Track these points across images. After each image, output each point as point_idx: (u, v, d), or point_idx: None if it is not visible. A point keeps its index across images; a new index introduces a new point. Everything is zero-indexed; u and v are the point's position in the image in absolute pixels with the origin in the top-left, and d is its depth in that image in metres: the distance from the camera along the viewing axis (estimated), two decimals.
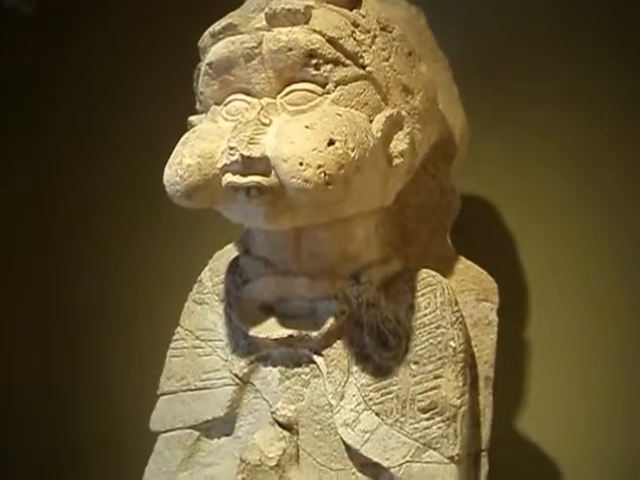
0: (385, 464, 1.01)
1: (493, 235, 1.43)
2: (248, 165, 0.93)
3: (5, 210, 1.86)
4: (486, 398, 1.10)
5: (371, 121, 0.98)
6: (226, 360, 1.11)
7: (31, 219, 1.85)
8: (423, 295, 1.05)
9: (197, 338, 1.15)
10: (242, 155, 0.93)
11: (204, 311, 1.15)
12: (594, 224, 1.37)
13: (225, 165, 0.95)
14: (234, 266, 1.13)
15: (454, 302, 1.05)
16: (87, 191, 1.77)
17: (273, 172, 0.93)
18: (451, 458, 1.01)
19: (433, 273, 1.06)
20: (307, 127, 0.92)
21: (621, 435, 1.37)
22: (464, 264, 1.16)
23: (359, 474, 1.05)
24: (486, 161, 1.40)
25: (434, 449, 1.01)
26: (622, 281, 1.36)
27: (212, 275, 1.16)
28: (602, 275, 1.37)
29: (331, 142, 0.91)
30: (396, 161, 1.00)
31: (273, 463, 1.03)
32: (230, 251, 1.18)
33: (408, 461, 1.01)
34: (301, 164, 0.90)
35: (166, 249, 1.67)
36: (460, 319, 1.04)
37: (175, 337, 1.17)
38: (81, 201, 1.77)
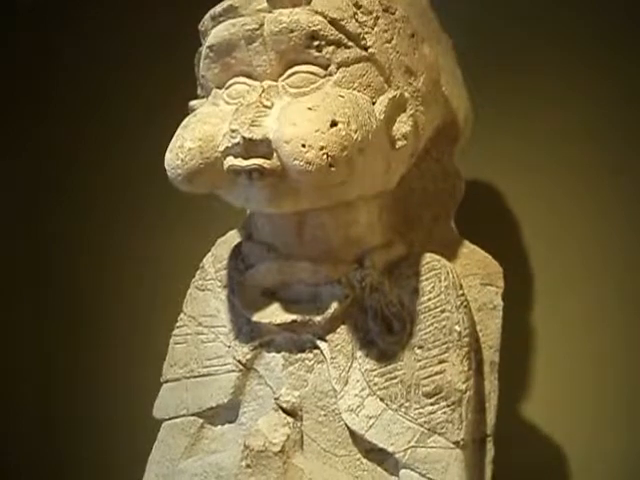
0: (390, 449, 1.01)
1: (498, 220, 1.42)
2: (250, 148, 0.92)
3: (5, 195, 1.85)
4: (491, 383, 1.09)
5: (374, 103, 0.97)
6: (229, 346, 1.11)
7: (31, 207, 1.84)
8: (427, 279, 1.04)
9: (200, 325, 1.14)
10: (244, 137, 0.92)
11: (207, 297, 1.14)
12: (599, 209, 1.36)
13: (227, 148, 0.94)
14: (237, 252, 1.13)
15: (459, 286, 1.04)
16: (88, 177, 1.76)
17: (275, 155, 0.92)
18: (456, 443, 1.00)
19: (437, 257, 1.05)
20: (309, 109, 0.92)
21: (627, 421, 1.37)
22: (468, 248, 1.15)
23: (364, 460, 1.05)
24: (491, 146, 1.39)
25: (439, 434, 1.00)
26: (627, 266, 1.35)
27: (215, 261, 1.15)
28: (607, 260, 1.36)
29: (334, 123, 0.90)
30: (399, 144, 0.99)
31: (277, 449, 1.03)
32: (233, 237, 1.18)
33: (413, 446, 1.00)
34: (303, 146, 0.89)
35: (168, 237, 1.66)
36: (465, 303, 1.04)
37: (178, 324, 1.17)
38: (82, 188, 1.77)
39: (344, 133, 0.90)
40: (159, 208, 1.66)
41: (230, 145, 0.94)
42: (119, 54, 1.73)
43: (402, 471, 1.01)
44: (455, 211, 1.17)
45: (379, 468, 1.04)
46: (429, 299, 1.03)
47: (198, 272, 1.17)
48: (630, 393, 1.36)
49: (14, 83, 1.83)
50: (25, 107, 1.84)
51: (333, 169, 0.90)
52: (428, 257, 1.05)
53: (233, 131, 0.93)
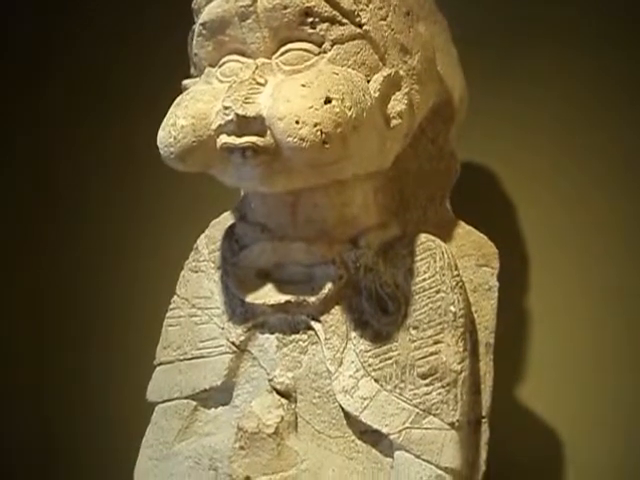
0: (384, 430, 1.00)
1: (494, 202, 1.41)
2: (243, 125, 0.92)
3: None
4: (487, 364, 1.09)
5: (368, 81, 0.96)
6: (223, 328, 1.10)
7: (26, 191, 1.84)
8: (422, 259, 1.03)
9: (193, 306, 1.13)
10: (237, 114, 0.91)
11: (200, 279, 1.14)
12: (595, 189, 1.35)
13: (220, 126, 0.93)
14: (230, 233, 1.12)
15: (454, 266, 1.03)
16: (83, 158, 1.75)
17: (269, 132, 0.91)
18: (451, 424, 0.99)
19: (432, 237, 1.05)
20: (303, 85, 0.91)
21: (623, 403, 1.36)
22: (464, 229, 1.14)
23: (358, 441, 1.04)
24: (486, 128, 1.39)
25: (434, 415, 0.99)
26: (624, 247, 1.34)
27: (208, 242, 1.15)
28: (605, 241, 1.35)
29: (328, 100, 0.89)
30: (394, 122, 0.99)
31: (271, 430, 1.02)
32: (226, 219, 1.17)
33: (408, 427, 0.99)
34: (297, 122, 0.88)
35: (163, 219, 1.66)
36: (460, 284, 1.03)
37: (171, 306, 1.16)
38: (76, 169, 1.76)
39: (338, 110, 0.89)
40: (153, 192, 1.66)
41: (223, 123, 0.93)
42: (117, 35, 1.72)
43: (397, 452, 1.01)
44: (450, 192, 1.16)
45: (374, 450, 1.04)
46: (424, 279, 1.02)
47: (192, 254, 1.16)
48: (629, 376, 1.35)
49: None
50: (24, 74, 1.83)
51: (327, 146, 0.89)
52: (423, 237, 1.04)
53: (226, 108, 0.92)
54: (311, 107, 0.88)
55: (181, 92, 1.03)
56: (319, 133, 0.88)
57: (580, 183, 1.37)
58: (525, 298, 1.41)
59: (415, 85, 1.01)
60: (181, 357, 1.13)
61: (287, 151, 0.90)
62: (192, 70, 1.08)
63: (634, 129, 1.33)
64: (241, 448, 1.03)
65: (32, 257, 1.82)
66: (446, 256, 1.03)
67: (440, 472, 0.99)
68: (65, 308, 1.78)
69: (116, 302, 1.72)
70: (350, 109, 0.90)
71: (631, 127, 1.33)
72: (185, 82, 1.07)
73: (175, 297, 1.16)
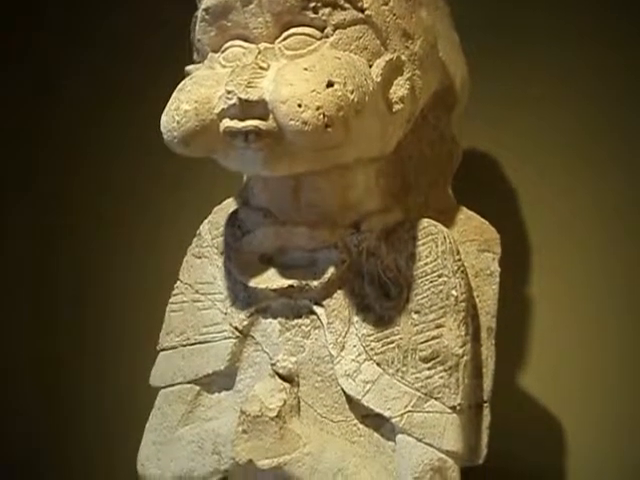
0: (386, 414, 1.01)
1: (495, 188, 1.41)
2: (246, 109, 0.92)
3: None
4: (488, 349, 1.09)
5: (370, 66, 0.97)
6: (226, 313, 1.10)
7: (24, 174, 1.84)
8: (424, 244, 1.03)
9: (196, 292, 1.14)
10: (240, 98, 0.91)
11: (203, 265, 1.14)
12: (597, 176, 1.35)
13: (223, 110, 0.94)
14: (233, 218, 1.12)
15: (455, 251, 1.04)
16: (81, 144, 1.75)
17: (271, 116, 0.91)
18: (453, 408, 1.00)
19: (434, 222, 1.05)
20: (306, 69, 0.91)
21: (625, 389, 1.37)
22: (465, 215, 1.15)
23: (360, 425, 1.04)
24: (488, 114, 1.39)
25: (436, 399, 1.00)
26: (626, 233, 1.34)
27: (211, 228, 1.15)
28: (606, 225, 1.36)
29: (330, 84, 0.90)
30: (396, 107, 0.99)
31: (273, 414, 1.02)
32: (229, 205, 1.17)
33: (409, 411, 1.00)
34: (299, 106, 0.88)
35: (166, 206, 1.66)
36: (462, 268, 1.03)
37: (174, 292, 1.16)
38: (75, 154, 1.76)
39: (340, 94, 0.90)
40: (156, 178, 1.66)
41: (226, 107, 0.93)
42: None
43: (399, 436, 1.01)
44: (452, 177, 1.17)
45: (375, 434, 1.04)
46: (426, 264, 1.03)
47: (195, 239, 1.16)
48: (630, 362, 1.36)
49: None
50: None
51: (329, 129, 0.89)
52: (425, 222, 1.05)
53: (229, 92, 0.93)
54: (313, 91, 0.89)
55: (184, 78, 1.03)
56: (321, 116, 0.88)
57: (581, 168, 1.37)
58: (527, 284, 1.41)
59: (417, 70, 1.02)
60: (184, 342, 1.13)
61: (289, 134, 0.91)
62: (195, 56, 1.09)
63: (638, 113, 1.33)
64: (244, 432, 1.03)
65: (33, 241, 1.82)
66: (448, 241, 1.04)
67: (442, 455, 0.99)
68: (68, 294, 1.79)
69: (119, 288, 1.72)
70: (352, 93, 0.91)
71: (635, 111, 1.32)
72: (188, 68, 1.08)
73: (178, 283, 1.16)
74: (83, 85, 1.77)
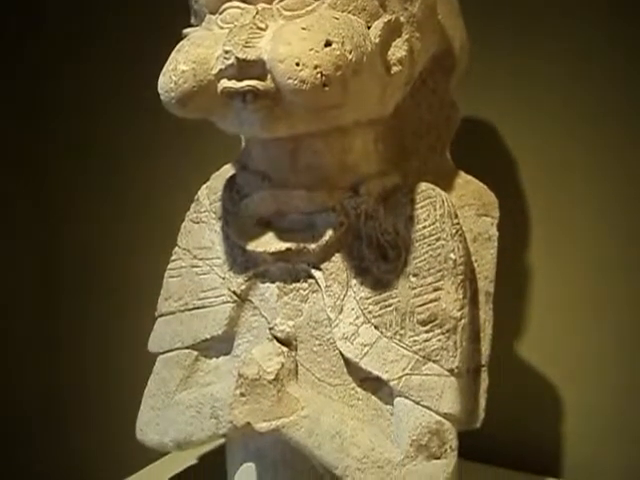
0: (384, 377, 1.01)
1: (494, 156, 1.40)
2: (244, 69, 0.91)
3: None
4: (486, 313, 1.09)
5: (369, 27, 0.96)
6: (224, 278, 1.10)
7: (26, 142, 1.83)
8: (422, 207, 1.03)
9: (195, 257, 1.14)
10: (237, 58, 0.91)
11: (201, 230, 1.14)
12: (598, 139, 1.34)
13: (220, 70, 0.93)
14: (231, 183, 1.12)
15: (454, 215, 1.03)
16: (81, 109, 1.75)
17: (269, 77, 0.91)
18: (451, 371, 1.00)
19: (432, 186, 1.05)
20: (304, 29, 0.90)
21: (623, 355, 1.36)
22: (464, 179, 1.14)
23: (358, 389, 1.04)
24: (487, 82, 1.38)
25: (434, 362, 1.00)
26: (624, 198, 1.33)
27: (209, 193, 1.15)
28: (605, 192, 1.35)
29: (328, 43, 0.89)
30: (394, 69, 0.98)
31: (271, 377, 1.02)
32: (227, 171, 1.17)
33: (407, 374, 1.00)
34: (297, 64, 0.88)
35: (164, 172, 1.66)
36: (460, 232, 1.03)
37: (172, 257, 1.16)
38: (75, 120, 1.76)
39: (338, 53, 0.89)
40: (154, 145, 1.66)
41: (224, 67, 0.93)
42: None
43: (396, 399, 1.01)
44: (451, 142, 1.16)
45: (373, 397, 1.04)
46: (424, 227, 1.02)
47: (193, 205, 1.16)
48: (629, 328, 1.35)
49: None
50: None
51: (327, 89, 0.89)
52: (423, 186, 1.04)
53: (226, 52, 0.92)
54: (312, 49, 0.88)
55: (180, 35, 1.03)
56: (319, 75, 0.88)
57: (583, 135, 1.36)
58: (526, 251, 1.41)
59: (415, 33, 1.01)
60: (182, 308, 1.13)
61: (287, 94, 0.90)
62: (192, 19, 1.08)
63: None
64: (241, 395, 1.03)
65: (33, 209, 1.82)
66: (446, 204, 1.03)
67: (439, 418, 1.00)
68: (67, 262, 1.79)
69: (117, 255, 1.72)
70: (350, 53, 0.90)
71: (637, 78, 1.31)
72: (186, 31, 1.07)
73: (176, 248, 1.16)
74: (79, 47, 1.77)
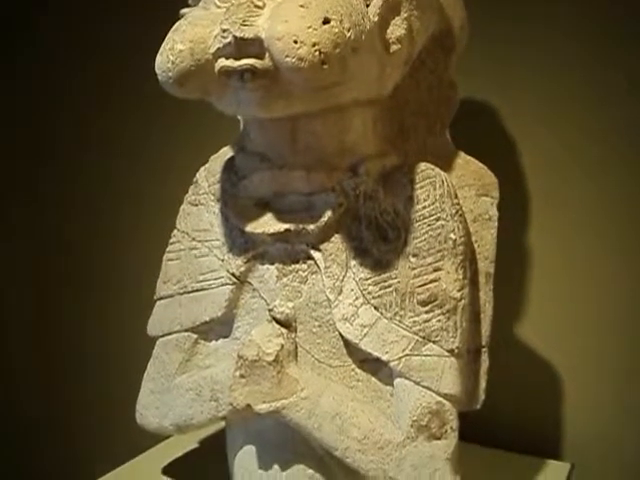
0: (384, 358, 1.00)
1: (494, 138, 1.40)
2: (241, 47, 0.90)
3: None
4: (486, 294, 1.09)
5: (367, 5, 0.95)
6: (223, 260, 1.09)
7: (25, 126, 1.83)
8: (422, 187, 1.02)
9: (193, 239, 1.13)
10: (235, 37, 0.90)
11: (200, 212, 1.13)
12: (597, 123, 1.33)
13: (218, 49, 0.92)
14: (230, 165, 1.11)
15: (453, 195, 1.03)
16: (80, 91, 1.75)
17: (267, 55, 0.90)
18: (451, 351, 1.00)
19: (432, 166, 1.04)
20: (301, 6, 0.89)
21: (624, 339, 1.36)
22: (463, 159, 1.13)
23: (358, 370, 1.04)
24: (488, 64, 1.38)
25: (434, 342, 0.99)
26: (625, 182, 1.33)
27: (208, 175, 1.14)
28: (605, 175, 1.34)
29: (326, 21, 0.88)
30: (393, 47, 0.98)
31: (271, 358, 1.02)
32: (226, 153, 1.16)
33: (407, 354, 1.00)
34: (295, 42, 0.87)
35: (163, 155, 1.65)
36: (460, 212, 1.03)
37: (171, 240, 1.15)
38: (74, 104, 1.76)
39: (337, 30, 0.88)
40: (153, 129, 1.65)
41: (221, 46, 0.92)
42: None
43: (396, 380, 1.01)
44: (450, 123, 1.15)
45: (373, 378, 1.04)
46: (424, 207, 1.02)
47: (191, 187, 1.15)
48: (629, 313, 1.35)
49: None
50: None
51: (325, 67, 0.88)
52: (423, 166, 1.04)
53: (224, 31, 0.91)
54: (310, 27, 0.88)
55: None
56: (317, 53, 0.87)
57: (583, 117, 1.35)
58: (526, 232, 1.40)
59: (415, 11, 1.00)
60: (181, 291, 1.13)
61: (285, 72, 0.89)
62: (190, 0, 1.07)
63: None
64: (241, 376, 1.03)
65: (31, 192, 1.82)
66: (446, 184, 1.03)
67: (439, 399, 0.99)
68: (66, 245, 1.78)
69: (115, 238, 1.72)
70: (349, 30, 0.90)
71: (637, 62, 1.30)
72: (183, 11, 1.05)
73: (175, 231, 1.15)
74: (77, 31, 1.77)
